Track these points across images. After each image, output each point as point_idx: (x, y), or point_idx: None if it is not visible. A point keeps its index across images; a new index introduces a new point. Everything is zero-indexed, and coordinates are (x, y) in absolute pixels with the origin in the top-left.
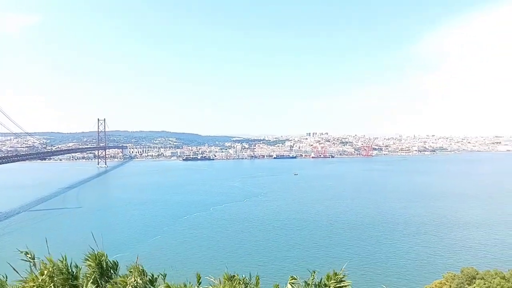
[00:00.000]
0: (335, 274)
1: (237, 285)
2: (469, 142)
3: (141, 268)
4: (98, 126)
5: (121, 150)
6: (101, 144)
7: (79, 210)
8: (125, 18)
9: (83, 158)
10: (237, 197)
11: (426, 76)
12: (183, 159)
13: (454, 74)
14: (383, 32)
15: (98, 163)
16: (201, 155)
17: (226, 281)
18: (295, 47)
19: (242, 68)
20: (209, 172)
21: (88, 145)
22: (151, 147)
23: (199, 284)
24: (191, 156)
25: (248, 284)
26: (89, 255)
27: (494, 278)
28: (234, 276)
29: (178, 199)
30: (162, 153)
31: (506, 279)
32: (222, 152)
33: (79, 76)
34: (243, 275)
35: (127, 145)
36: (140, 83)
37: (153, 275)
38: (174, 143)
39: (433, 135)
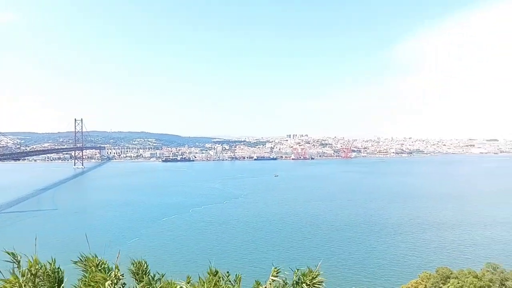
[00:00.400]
0: (310, 271)
1: (220, 280)
2: (444, 145)
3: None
4: (75, 126)
5: (98, 151)
6: (78, 145)
7: (54, 212)
8: (107, 18)
9: (59, 159)
10: (217, 199)
11: (404, 79)
12: (163, 160)
13: (431, 78)
14: (364, 36)
15: (75, 164)
16: (181, 156)
17: (210, 276)
18: (276, 49)
19: (223, 69)
20: (189, 173)
21: (64, 145)
22: (130, 148)
23: (188, 283)
24: (171, 157)
25: (231, 281)
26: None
27: (467, 277)
28: (217, 272)
29: (156, 201)
30: (141, 154)
31: (478, 278)
32: (202, 153)
33: (57, 76)
34: (227, 271)
35: (105, 145)
36: (120, 83)
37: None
38: (154, 144)
39: (410, 138)
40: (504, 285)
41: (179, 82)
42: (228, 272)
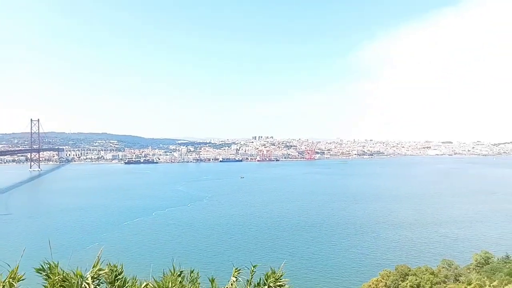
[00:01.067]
0: (273, 272)
1: (182, 280)
2: (403, 147)
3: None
4: (31, 127)
5: (57, 152)
6: (35, 146)
7: (7, 217)
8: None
9: (13, 161)
10: (181, 201)
11: (364, 84)
12: (125, 163)
13: (389, 83)
14: (327, 43)
15: (31, 166)
16: (144, 158)
17: (173, 276)
18: (243, 54)
19: (189, 70)
20: (153, 175)
21: (19, 147)
22: (90, 150)
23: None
24: (134, 159)
25: (194, 280)
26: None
27: (425, 274)
28: (182, 271)
29: (118, 204)
30: (102, 156)
31: (434, 275)
32: (167, 155)
33: (11, 70)
34: (192, 270)
35: (64, 147)
36: (79, 81)
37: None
38: (116, 146)
39: (371, 140)
40: (458, 280)
41: (143, 82)
42: (192, 271)
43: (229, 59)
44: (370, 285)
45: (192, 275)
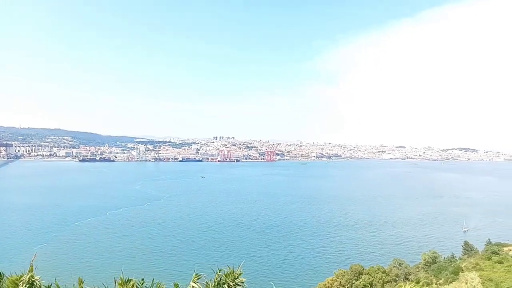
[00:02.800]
0: (232, 272)
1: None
2: (359, 150)
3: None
4: None
5: (4, 148)
6: None
7: None
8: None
9: None
10: (137, 201)
11: (327, 88)
12: (80, 160)
13: (349, 88)
14: (293, 48)
15: None
16: (101, 156)
17: (121, 286)
18: (211, 55)
19: (152, 67)
20: (109, 174)
21: None
22: (42, 146)
23: None
24: (89, 157)
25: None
26: None
27: (377, 273)
28: (130, 280)
29: (70, 204)
30: (55, 152)
31: (386, 273)
32: (124, 153)
33: None
34: (142, 278)
35: (13, 143)
36: (31, 71)
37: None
38: (70, 143)
39: (329, 143)
40: (407, 279)
41: (101, 74)
42: (143, 279)
43: (194, 59)
44: (325, 284)
45: (143, 284)
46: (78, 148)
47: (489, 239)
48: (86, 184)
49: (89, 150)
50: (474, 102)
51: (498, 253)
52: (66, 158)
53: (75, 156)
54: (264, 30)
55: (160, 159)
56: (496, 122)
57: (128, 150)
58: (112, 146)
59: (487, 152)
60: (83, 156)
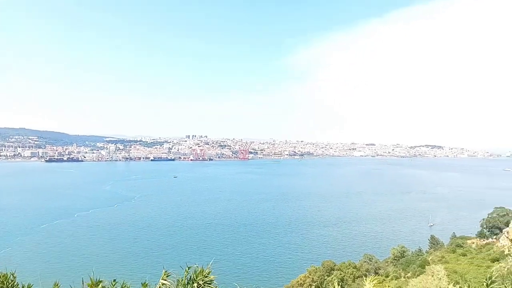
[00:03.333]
0: (202, 270)
1: None
2: (331, 148)
3: None
4: None
5: None
6: None
7: None
8: None
9: None
10: (107, 202)
11: (298, 86)
12: (46, 160)
13: (320, 86)
14: (265, 46)
15: None
16: (68, 156)
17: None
18: (183, 50)
19: (121, 61)
20: (77, 175)
21: None
22: (5, 146)
23: None
24: (56, 157)
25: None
26: None
27: (348, 269)
28: (100, 281)
29: (36, 206)
30: (19, 153)
31: (357, 269)
32: (93, 153)
33: None
34: (114, 279)
35: None
36: None
37: None
38: (36, 142)
39: (302, 141)
40: (377, 273)
41: (68, 69)
42: (114, 280)
43: (166, 54)
44: (298, 281)
45: (115, 285)
46: (45, 148)
47: (454, 232)
48: (53, 185)
49: (56, 150)
50: (439, 101)
51: (462, 246)
52: (32, 159)
53: (41, 157)
54: (236, 27)
55: (131, 159)
56: (460, 120)
57: (98, 150)
58: (81, 146)
59: (452, 149)
60: (50, 156)
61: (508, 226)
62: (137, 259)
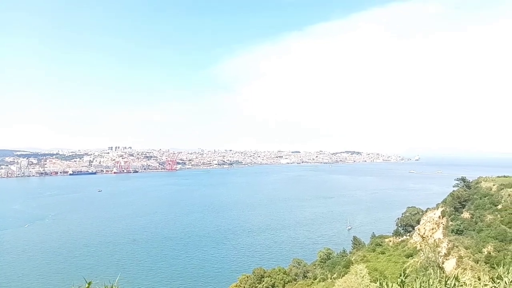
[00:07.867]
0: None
1: None
2: (259, 156)
3: None
4: None
5: None
6: None
7: None
8: None
9: None
10: (16, 222)
11: (225, 95)
12: None
13: (246, 95)
14: (190, 54)
15: None
16: None
17: None
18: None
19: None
20: None
21: None
22: None
23: None
24: None
25: None
26: None
27: (278, 274)
28: None
29: None
30: None
31: (287, 274)
32: (2, 169)
33: None
34: None
35: None
36: None
37: None
38: None
39: (230, 150)
40: (306, 276)
41: None
42: None
43: (87, 55)
44: None
45: None
46: None
47: (373, 232)
48: None
49: None
50: (357, 109)
51: (381, 245)
52: None
53: None
54: (165, 32)
55: (46, 174)
56: (376, 127)
57: (7, 165)
58: None
59: (369, 154)
60: None
61: (419, 224)
62: (50, 282)
